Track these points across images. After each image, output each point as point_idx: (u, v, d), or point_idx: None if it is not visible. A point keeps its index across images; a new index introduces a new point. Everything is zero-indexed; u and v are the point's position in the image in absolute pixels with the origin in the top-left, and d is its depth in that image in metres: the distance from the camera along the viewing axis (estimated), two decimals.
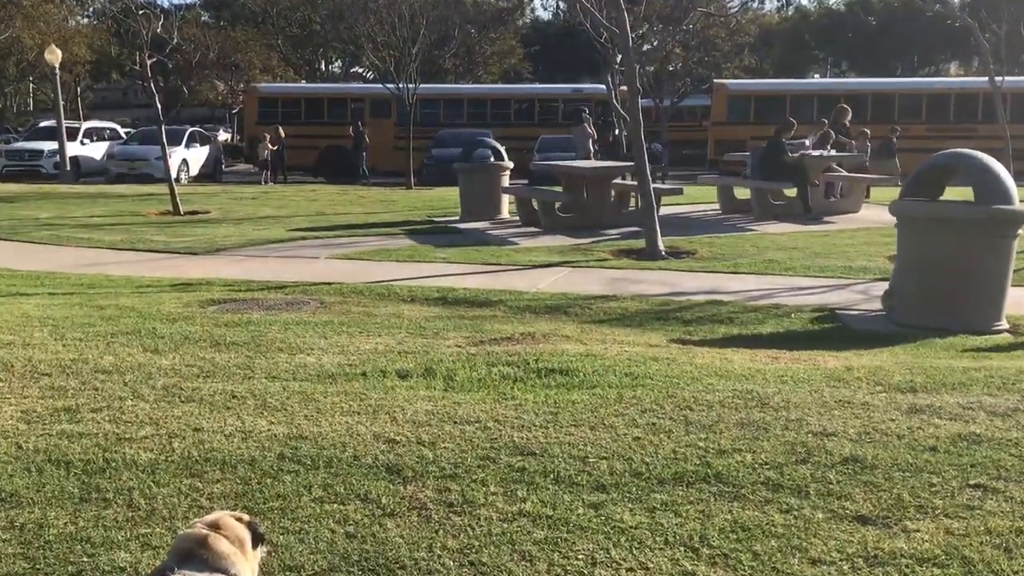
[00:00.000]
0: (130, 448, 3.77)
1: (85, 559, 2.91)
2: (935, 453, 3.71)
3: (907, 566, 2.86)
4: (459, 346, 5.87)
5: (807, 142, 16.37)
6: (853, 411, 4.27)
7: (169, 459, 3.66)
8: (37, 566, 2.89)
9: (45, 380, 4.82)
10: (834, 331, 7.05)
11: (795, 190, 14.90)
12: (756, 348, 6.11)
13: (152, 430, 4.00)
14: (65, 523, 3.15)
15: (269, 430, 3.99)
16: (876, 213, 14.55)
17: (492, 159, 16.13)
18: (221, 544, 2.14)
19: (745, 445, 3.80)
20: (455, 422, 4.10)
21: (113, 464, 3.62)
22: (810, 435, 3.92)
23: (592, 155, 21.45)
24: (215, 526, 2.20)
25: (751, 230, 13.55)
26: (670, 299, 8.28)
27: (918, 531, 3.07)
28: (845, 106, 18.17)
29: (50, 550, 2.98)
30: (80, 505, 3.29)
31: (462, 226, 14.49)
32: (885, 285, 7.93)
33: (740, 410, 4.26)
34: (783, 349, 6.05)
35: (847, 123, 17.50)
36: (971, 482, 3.44)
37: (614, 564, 2.88)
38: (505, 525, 3.12)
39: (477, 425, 4.06)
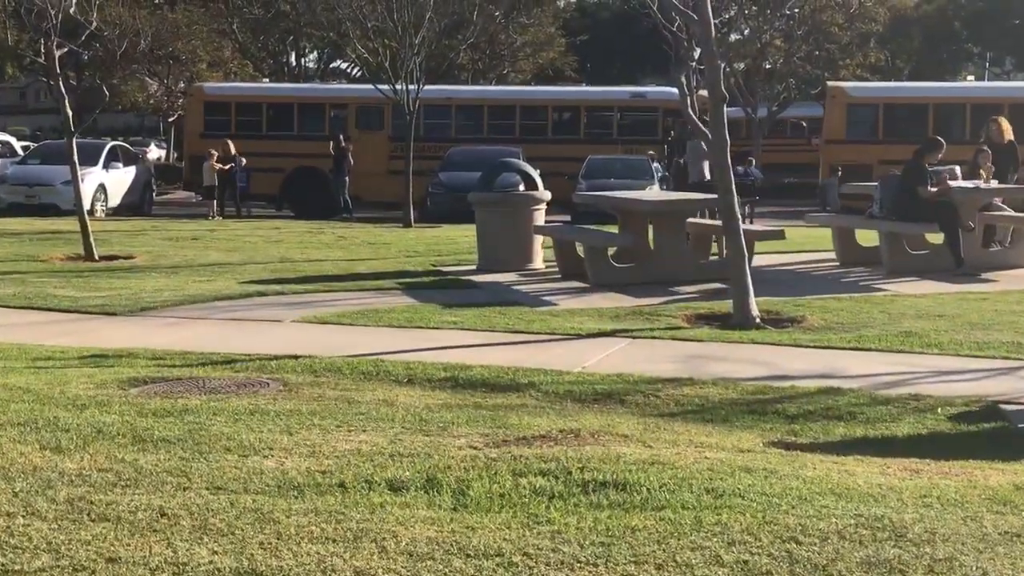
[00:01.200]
0: None
1: None
2: None
3: None
4: (474, 447, 5.85)
5: (958, 169, 16.32)
6: None
7: None
8: None
9: None
10: (997, 433, 6.97)
11: (941, 235, 14.85)
12: (888, 456, 6.05)
13: (51, 560, 3.99)
14: None
15: (211, 562, 3.98)
16: None
17: (522, 187, 16.23)
18: None
19: None
20: (468, 555, 4.08)
21: None
22: None
23: (706, 181, 21.35)
24: None
25: (880, 289, 13.50)
26: (767, 385, 8.24)
27: None
28: (1000, 119, 17.87)
29: None
30: None
31: (480, 279, 14.55)
32: None
33: (866, 544, 4.22)
34: (926, 458, 5.99)
35: (1007, 142, 17.32)
36: None
37: None
38: None
39: (498, 560, 4.03)
